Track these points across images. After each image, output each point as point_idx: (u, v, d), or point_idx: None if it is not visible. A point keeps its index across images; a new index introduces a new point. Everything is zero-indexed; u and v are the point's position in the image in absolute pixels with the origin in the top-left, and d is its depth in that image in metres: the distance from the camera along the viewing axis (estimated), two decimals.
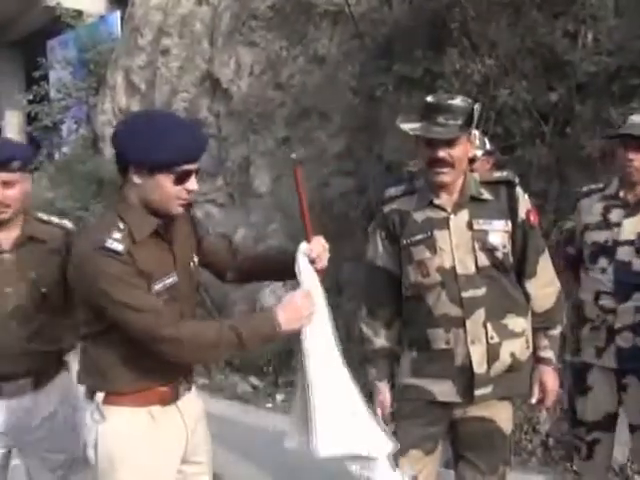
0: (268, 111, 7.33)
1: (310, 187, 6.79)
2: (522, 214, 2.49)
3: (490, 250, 2.44)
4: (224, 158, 7.96)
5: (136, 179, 2.02)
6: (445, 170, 2.42)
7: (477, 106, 2.45)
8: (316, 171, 6.73)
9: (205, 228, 2.41)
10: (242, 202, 7.69)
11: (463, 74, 5.07)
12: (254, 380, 6.51)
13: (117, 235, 1.98)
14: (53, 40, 12.02)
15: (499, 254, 2.45)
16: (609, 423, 3.02)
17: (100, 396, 2.09)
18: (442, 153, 2.40)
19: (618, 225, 2.93)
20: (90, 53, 10.69)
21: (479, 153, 3.75)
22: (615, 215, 2.96)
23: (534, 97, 4.96)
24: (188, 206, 2.18)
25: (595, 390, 3.00)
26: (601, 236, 2.97)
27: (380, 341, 2.61)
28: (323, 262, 2.22)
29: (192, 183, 2.05)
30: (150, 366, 2.07)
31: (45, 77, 11.21)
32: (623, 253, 2.89)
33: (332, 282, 6.15)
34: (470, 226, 2.46)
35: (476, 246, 2.44)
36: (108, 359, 2.06)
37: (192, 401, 2.29)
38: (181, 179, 2.02)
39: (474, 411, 2.49)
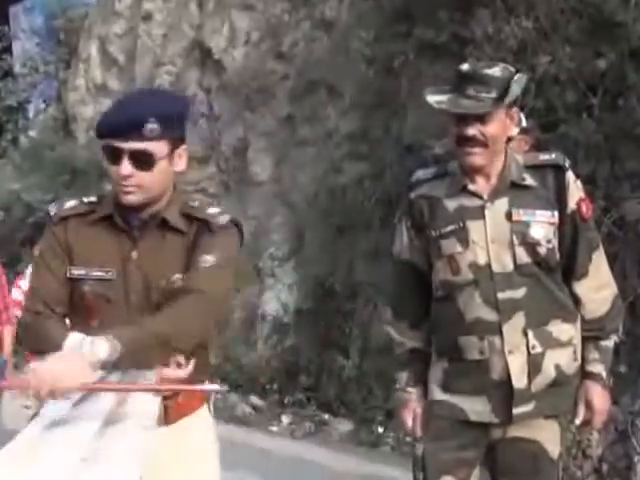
0: (268, 85, 7.32)
1: (318, 173, 6.80)
2: (572, 204, 2.46)
3: (531, 245, 2.42)
4: (217, 140, 7.96)
5: None
6: (476, 150, 2.41)
7: (520, 76, 2.44)
8: (325, 154, 6.73)
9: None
10: (238, 191, 7.68)
11: (496, 39, 5.04)
12: (255, 400, 6.52)
13: (70, 203, 2.15)
14: (16, 6, 12.02)
15: (542, 250, 2.43)
16: None
17: None
18: (472, 130, 2.38)
19: None
20: (60, 20, 10.67)
21: (515, 131, 3.75)
22: None
23: (580, 65, 4.93)
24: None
25: None
26: None
27: (410, 342, 2.62)
28: None
29: (121, 166, 2.03)
30: None
31: (8, 49, 11.23)
32: None
33: (345, 284, 6.14)
34: (509, 217, 2.44)
35: (515, 240, 2.42)
36: None
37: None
38: (112, 158, 2.05)
39: (515, 431, 2.46)
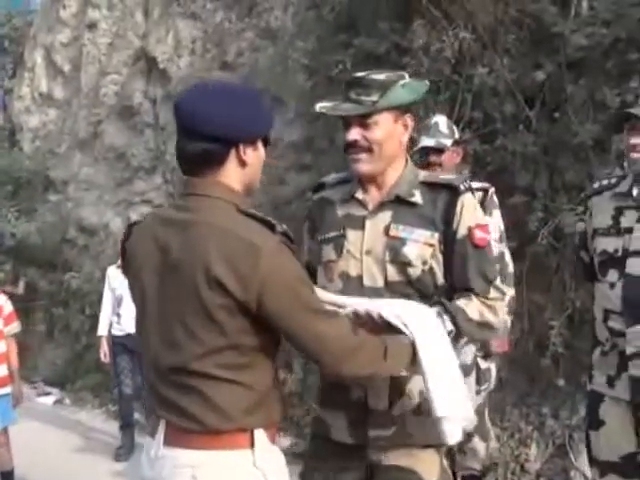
0: None
1: (262, 184, 6.71)
2: (463, 230, 2.33)
3: (402, 264, 2.32)
4: (162, 151, 7.88)
5: (246, 157, 2.06)
6: (361, 156, 2.33)
7: (411, 81, 2.38)
8: (268, 165, 6.66)
9: None
10: None
11: (433, 50, 5.02)
12: None
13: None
14: None
15: (414, 271, 2.31)
16: (628, 466, 2.82)
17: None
18: (353, 135, 2.31)
19: (630, 231, 2.79)
20: (4, 28, 10.60)
21: (448, 143, 3.70)
22: (628, 219, 2.82)
23: (518, 76, 4.93)
24: None
25: (609, 425, 2.85)
26: (610, 244, 2.82)
27: None
28: None
29: None
30: None
31: None
32: (634, 265, 2.75)
33: None
34: (387, 231, 2.35)
35: (387, 256, 2.33)
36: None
37: None
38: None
39: (392, 458, 2.33)
